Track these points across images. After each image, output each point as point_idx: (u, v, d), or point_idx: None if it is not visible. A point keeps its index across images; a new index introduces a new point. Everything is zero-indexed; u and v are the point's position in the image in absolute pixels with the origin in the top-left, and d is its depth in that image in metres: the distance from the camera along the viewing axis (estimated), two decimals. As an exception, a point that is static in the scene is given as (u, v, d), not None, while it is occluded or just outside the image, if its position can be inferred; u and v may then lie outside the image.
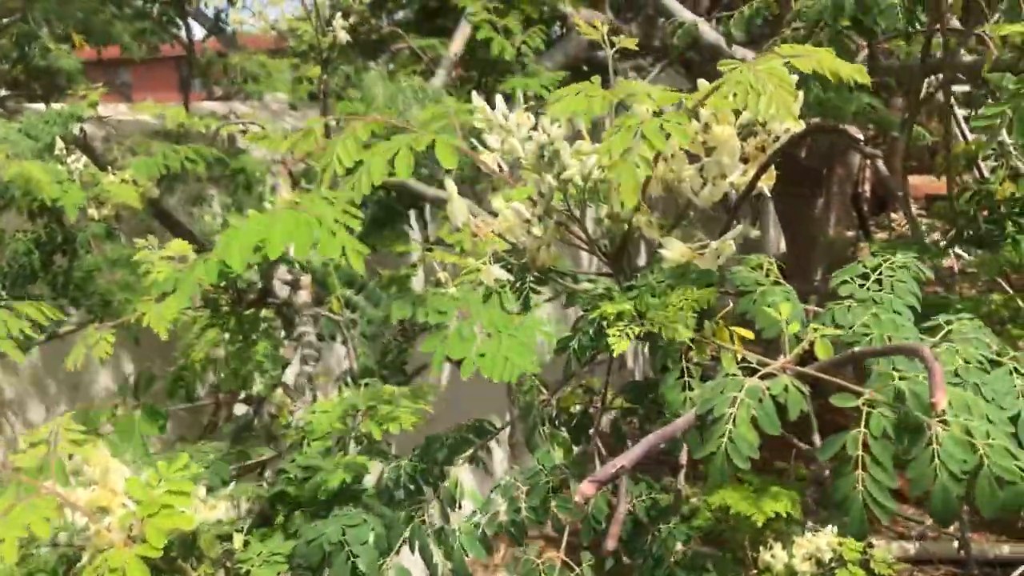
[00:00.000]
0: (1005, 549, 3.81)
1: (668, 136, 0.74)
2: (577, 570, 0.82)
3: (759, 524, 2.31)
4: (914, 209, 2.58)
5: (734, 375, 0.72)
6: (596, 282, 0.96)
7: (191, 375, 1.47)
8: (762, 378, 0.71)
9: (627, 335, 0.78)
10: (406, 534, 0.94)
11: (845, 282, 0.87)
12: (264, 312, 1.39)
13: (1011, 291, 2.44)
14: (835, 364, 0.72)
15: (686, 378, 0.79)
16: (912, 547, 3.77)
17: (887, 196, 5.29)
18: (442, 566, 0.93)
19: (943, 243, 1.94)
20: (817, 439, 3.24)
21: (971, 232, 1.69)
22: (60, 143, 2.01)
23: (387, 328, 1.65)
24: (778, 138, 0.81)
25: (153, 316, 1.23)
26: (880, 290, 0.86)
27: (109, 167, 2.11)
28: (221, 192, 2.53)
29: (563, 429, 0.92)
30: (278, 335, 1.42)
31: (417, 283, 2.02)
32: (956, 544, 3.66)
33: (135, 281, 2.11)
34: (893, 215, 5.06)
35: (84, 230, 2.05)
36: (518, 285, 1.04)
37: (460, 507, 0.92)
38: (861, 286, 0.87)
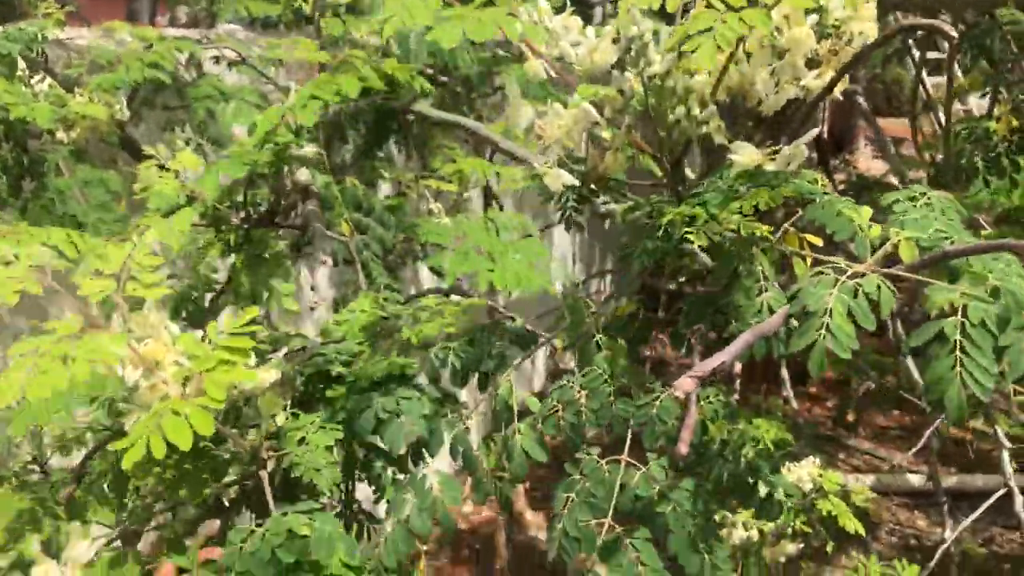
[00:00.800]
0: (952, 480, 4.01)
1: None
2: (643, 469, 0.82)
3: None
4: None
5: (822, 273, 0.73)
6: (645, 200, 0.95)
7: (200, 292, 1.42)
8: (849, 279, 0.71)
9: (706, 235, 0.78)
10: (448, 440, 0.92)
11: (897, 201, 0.88)
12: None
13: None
14: (923, 265, 0.72)
15: (761, 282, 0.79)
16: (868, 480, 3.92)
17: (844, 137, 5.37)
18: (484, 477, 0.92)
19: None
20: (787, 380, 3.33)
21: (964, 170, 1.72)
22: (22, 63, 1.90)
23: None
24: (851, 41, 0.81)
25: (163, 229, 1.18)
26: (931, 212, 0.87)
27: (75, 89, 2.01)
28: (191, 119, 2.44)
29: (618, 339, 0.92)
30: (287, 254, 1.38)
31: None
32: (924, 476, 3.83)
33: (110, 200, 2.03)
34: (849, 156, 5.15)
35: (54, 152, 1.96)
36: (562, 201, 1.02)
37: (516, 418, 0.90)
38: (913, 207, 0.87)
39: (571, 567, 0.81)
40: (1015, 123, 1.95)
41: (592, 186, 0.91)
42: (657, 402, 0.84)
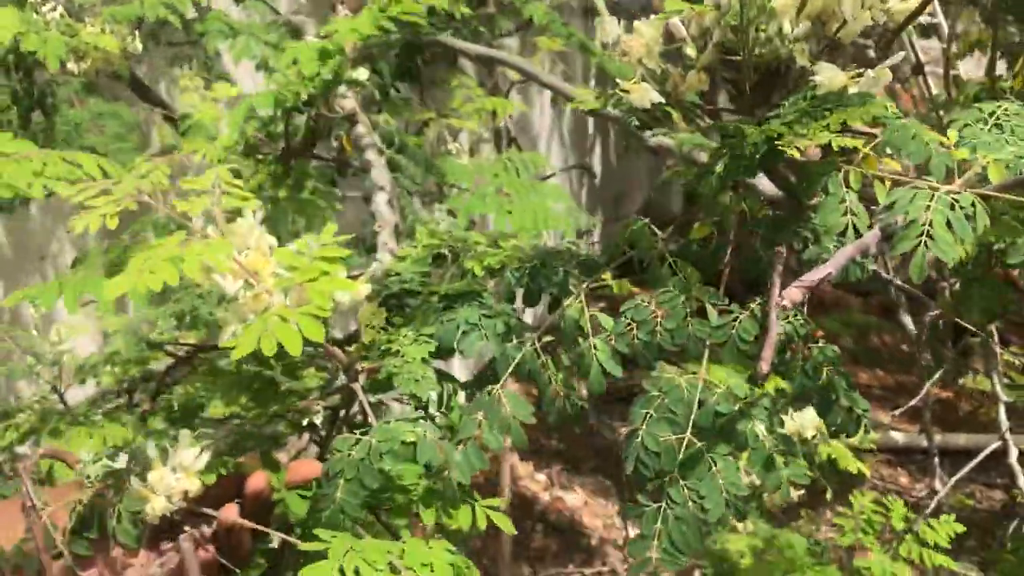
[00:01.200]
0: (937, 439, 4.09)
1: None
2: (722, 388, 0.83)
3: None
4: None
5: (917, 189, 0.73)
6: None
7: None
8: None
9: (796, 149, 0.78)
10: (516, 360, 0.93)
11: (967, 125, 0.88)
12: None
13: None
14: (1015, 184, 0.73)
15: (847, 203, 0.79)
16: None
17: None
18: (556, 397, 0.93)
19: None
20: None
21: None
22: (33, -10, 1.86)
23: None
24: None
25: (210, 150, 1.16)
26: (1002, 134, 0.87)
27: (85, 19, 1.96)
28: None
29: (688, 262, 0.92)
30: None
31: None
32: (905, 434, 3.92)
33: (125, 133, 2.00)
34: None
35: (65, 84, 1.92)
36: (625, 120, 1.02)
37: (589, 338, 0.90)
38: (982, 130, 0.88)
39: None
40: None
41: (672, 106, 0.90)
42: (737, 321, 0.85)
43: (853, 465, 2.45)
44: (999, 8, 1.81)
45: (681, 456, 0.81)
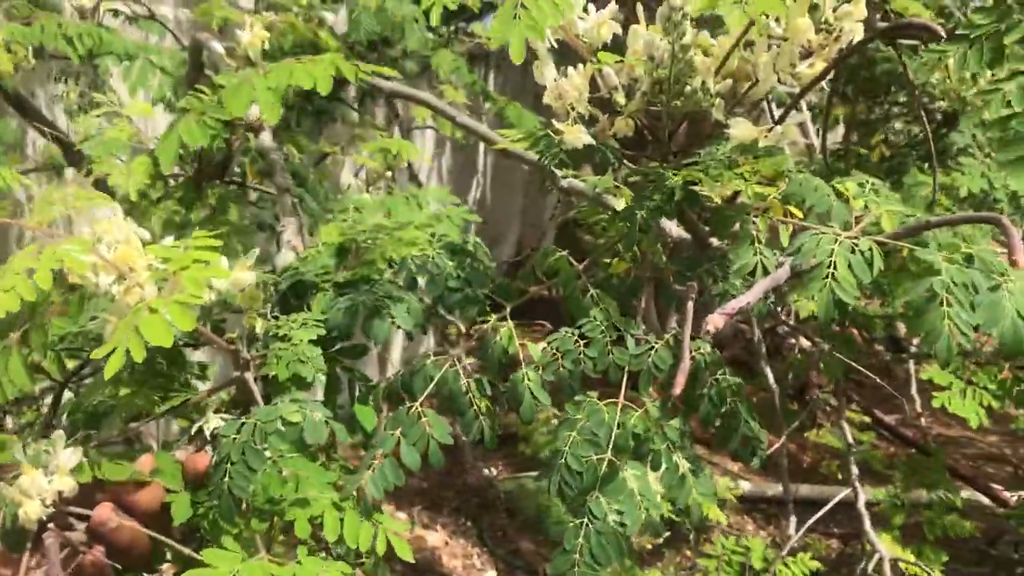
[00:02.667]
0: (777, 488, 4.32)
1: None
2: (639, 411, 0.89)
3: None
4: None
5: (822, 234, 0.82)
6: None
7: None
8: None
9: (713, 194, 0.86)
10: (436, 377, 0.96)
11: (859, 184, 0.99)
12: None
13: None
14: (907, 233, 0.83)
15: (757, 245, 0.87)
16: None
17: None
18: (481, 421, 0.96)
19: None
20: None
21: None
22: (-74, 0, 1.78)
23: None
24: (839, 37, 0.91)
25: (122, 176, 1.14)
26: (877, 196, 0.99)
27: (-27, 31, 1.89)
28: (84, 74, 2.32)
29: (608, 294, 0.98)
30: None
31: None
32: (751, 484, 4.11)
33: (6, 150, 1.92)
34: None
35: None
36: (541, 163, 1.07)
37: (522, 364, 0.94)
38: (863, 191, 0.99)
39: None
40: (886, 152, 2.17)
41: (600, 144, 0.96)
42: (653, 351, 0.91)
43: (713, 512, 2.57)
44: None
45: (601, 474, 0.86)
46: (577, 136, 0.89)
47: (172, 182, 1.29)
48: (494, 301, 1.02)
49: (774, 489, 4.34)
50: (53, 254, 0.74)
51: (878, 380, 2.42)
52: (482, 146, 6.26)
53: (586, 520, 0.83)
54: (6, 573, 0.78)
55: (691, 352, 0.88)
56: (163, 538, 0.81)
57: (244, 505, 0.87)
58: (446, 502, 4.77)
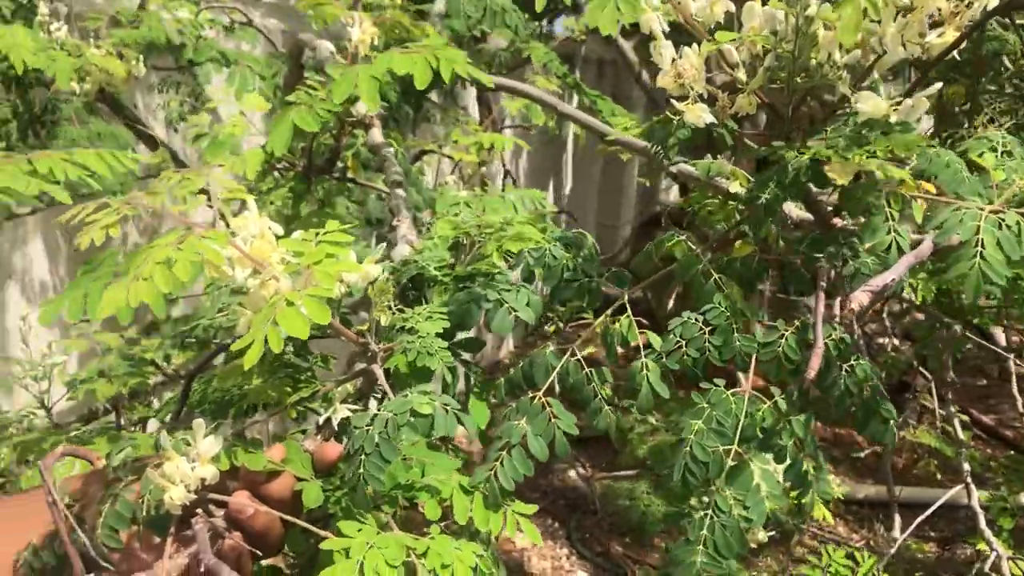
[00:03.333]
0: (872, 491, 4.18)
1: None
2: (767, 402, 0.86)
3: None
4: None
5: (965, 209, 0.77)
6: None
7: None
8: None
9: (846, 172, 0.82)
10: (557, 367, 0.94)
11: (982, 154, 0.94)
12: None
13: None
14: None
15: (890, 222, 0.83)
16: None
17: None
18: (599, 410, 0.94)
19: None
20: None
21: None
22: (43, 8, 1.85)
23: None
24: (971, 3, 0.86)
25: (236, 164, 1.16)
26: (1011, 160, 0.93)
27: (90, 39, 1.96)
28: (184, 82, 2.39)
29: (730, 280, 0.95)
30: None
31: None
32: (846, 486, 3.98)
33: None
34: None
35: (67, 103, 1.91)
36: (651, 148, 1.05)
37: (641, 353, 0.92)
38: (995, 156, 0.93)
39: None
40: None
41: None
42: (782, 338, 0.88)
43: (820, 512, 2.48)
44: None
45: (728, 466, 0.83)
46: (699, 115, 0.87)
47: (281, 177, 1.31)
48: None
49: (866, 490, 4.21)
50: (193, 245, 0.75)
51: (980, 379, 2.31)
52: (568, 146, 6.24)
53: (711, 512, 0.81)
54: (149, 558, 0.79)
55: (823, 338, 0.85)
56: (299, 521, 0.81)
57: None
58: (534, 503, 4.75)
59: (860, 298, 0.70)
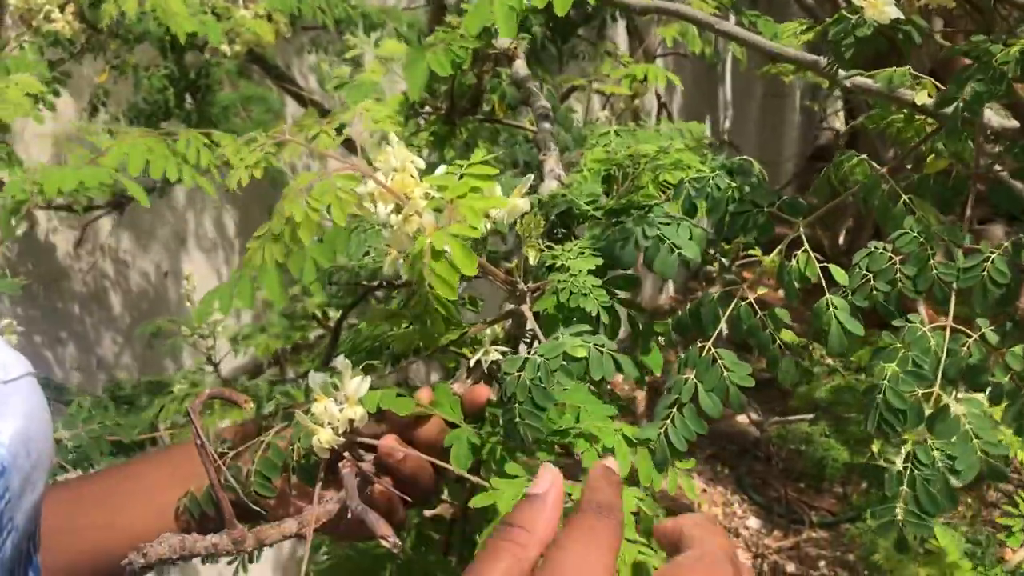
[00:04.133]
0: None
1: None
2: (974, 336, 0.74)
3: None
4: None
5: None
6: None
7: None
8: None
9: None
10: (727, 312, 0.85)
11: None
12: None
13: None
14: None
15: None
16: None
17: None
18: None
19: None
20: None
21: None
22: (189, -27, 1.88)
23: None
24: None
25: (376, 111, 1.13)
26: None
27: (239, 2, 1.99)
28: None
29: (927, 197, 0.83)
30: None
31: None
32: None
33: (271, 119, 2.02)
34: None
35: (217, 66, 1.95)
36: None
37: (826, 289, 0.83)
38: None
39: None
40: None
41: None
42: (989, 262, 0.76)
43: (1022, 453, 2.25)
44: None
45: (929, 412, 0.73)
46: (882, 9, 0.75)
47: (423, 122, 1.27)
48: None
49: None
50: (328, 185, 0.72)
51: None
52: (726, 80, 5.98)
53: (911, 466, 0.71)
54: (302, 504, 0.77)
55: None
56: (448, 466, 0.78)
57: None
58: (702, 449, 4.68)
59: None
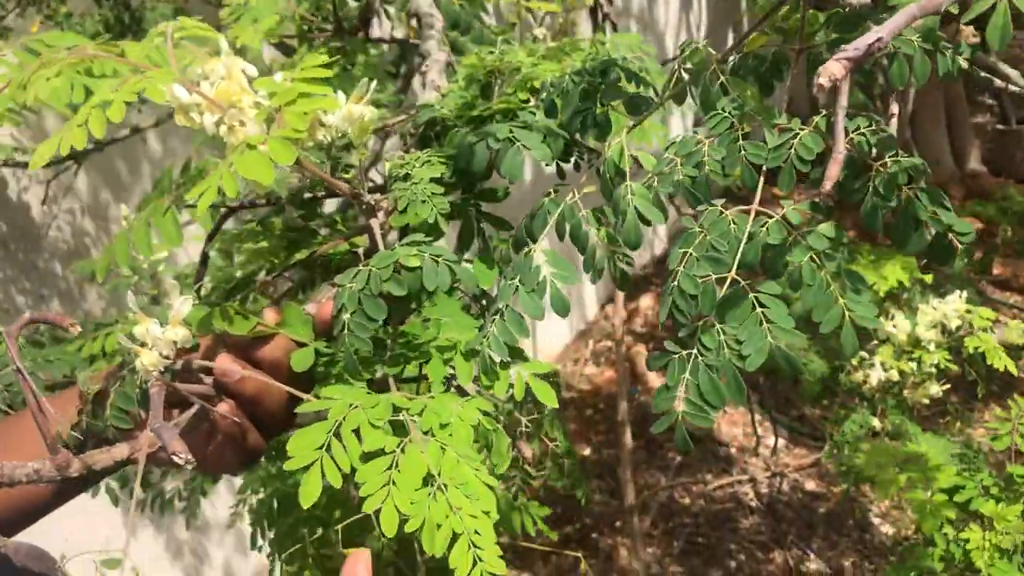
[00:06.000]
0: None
1: None
2: (773, 215, 0.70)
3: (881, 294, 2.19)
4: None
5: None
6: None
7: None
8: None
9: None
10: (555, 216, 0.82)
11: None
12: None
13: None
14: None
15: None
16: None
17: None
18: (599, 252, 0.83)
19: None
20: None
21: None
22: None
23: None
24: None
25: (249, 34, 1.10)
26: None
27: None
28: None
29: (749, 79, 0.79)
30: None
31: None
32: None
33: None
34: None
35: (152, 10, 1.93)
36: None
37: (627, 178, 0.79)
38: None
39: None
40: None
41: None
42: (795, 139, 0.71)
43: (1000, 362, 2.18)
44: None
45: (721, 297, 0.69)
46: None
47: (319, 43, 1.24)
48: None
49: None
50: (133, 85, 0.70)
51: None
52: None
53: (696, 352, 0.67)
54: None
55: (849, 134, 0.68)
56: (287, 388, 0.76)
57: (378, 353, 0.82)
58: (721, 371, 4.64)
59: (831, 69, 0.54)
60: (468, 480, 0.68)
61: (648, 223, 0.75)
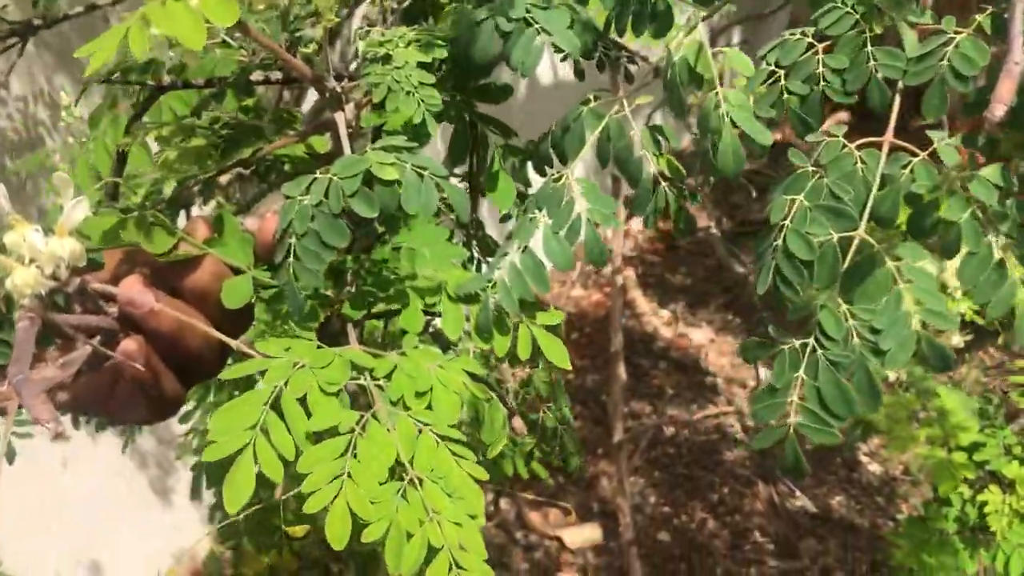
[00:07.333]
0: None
1: None
2: (921, 155, 0.51)
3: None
4: None
5: None
6: None
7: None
8: None
9: None
10: (595, 133, 0.63)
11: None
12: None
13: None
14: None
15: None
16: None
17: None
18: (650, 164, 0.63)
19: None
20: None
21: None
22: None
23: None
24: None
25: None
26: None
27: None
28: None
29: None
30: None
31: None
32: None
33: None
34: None
35: None
36: None
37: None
38: None
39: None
40: None
41: None
42: (951, 46, 0.51)
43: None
44: None
45: (847, 265, 0.50)
46: None
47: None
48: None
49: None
50: None
51: None
52: None
53: (811, 343, 0.49)
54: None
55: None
56: (210, 328, 0.56)
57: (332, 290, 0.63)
58: (712, 298, 4.52)
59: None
60: (450, 472, 0.51)
61: (752, 142, 0.54)
